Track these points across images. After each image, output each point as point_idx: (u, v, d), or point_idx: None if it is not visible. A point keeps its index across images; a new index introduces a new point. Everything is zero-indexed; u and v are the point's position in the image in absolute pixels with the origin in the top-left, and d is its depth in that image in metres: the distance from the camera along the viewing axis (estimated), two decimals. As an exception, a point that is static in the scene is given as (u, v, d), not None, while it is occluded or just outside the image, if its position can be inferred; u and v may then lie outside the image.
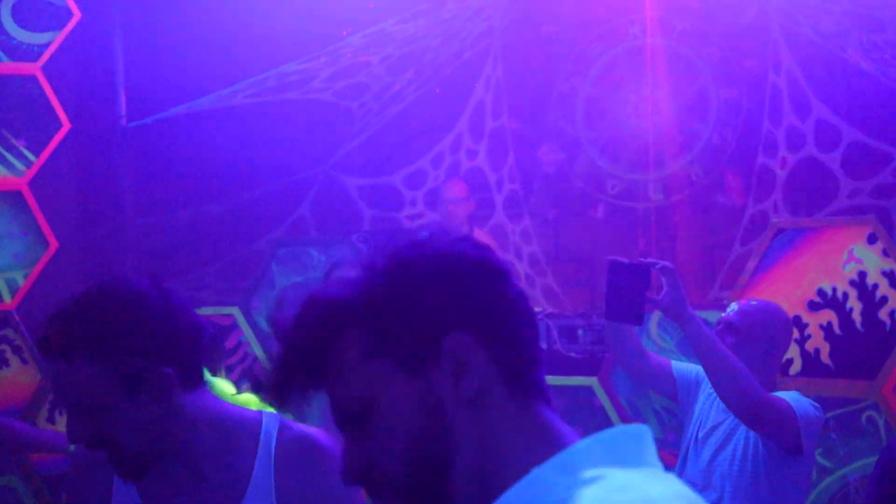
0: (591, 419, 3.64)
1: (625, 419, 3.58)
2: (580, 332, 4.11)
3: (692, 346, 2.55)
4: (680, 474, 2.71)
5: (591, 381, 3.65)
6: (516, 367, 0.94)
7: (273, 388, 0.95)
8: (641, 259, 2.59)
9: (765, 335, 2.63)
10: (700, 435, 2.68)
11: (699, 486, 2.62)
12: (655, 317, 3.70)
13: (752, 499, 2.54)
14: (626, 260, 2.53)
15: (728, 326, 2.64)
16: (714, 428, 2.66)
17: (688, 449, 2.71)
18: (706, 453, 2.64)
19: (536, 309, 4.51)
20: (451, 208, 5.04)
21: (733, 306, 2.74)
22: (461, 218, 5.04)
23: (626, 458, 0.88)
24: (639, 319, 2.56)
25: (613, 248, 5.47)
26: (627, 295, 2.49)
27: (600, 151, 5.83)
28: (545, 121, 5.96)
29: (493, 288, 0.95)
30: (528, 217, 5.86)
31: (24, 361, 3.85)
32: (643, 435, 0.91)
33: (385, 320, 0.93)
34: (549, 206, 5.97)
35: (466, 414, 0.91)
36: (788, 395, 2.55)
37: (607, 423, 3.60)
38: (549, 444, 0.90)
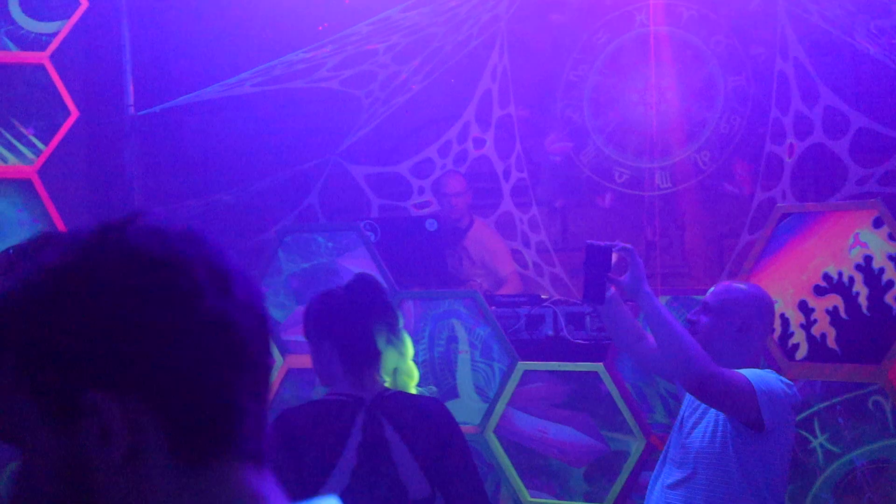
0: (598, 404, 3.66)
1: (631, 404, 3.58)
2: (587, 319, 4.11)
3: (647, 322, 2.64)
4: (665, 454, 2.74)
5: (598, 366, 3.66)
6: (191, 426, 0.77)
7: None
8: (604, 242, 2.67)
9: (737, 313, 2.67)
10: (685, 415, 2.72)
11: (676, 464, 2.66)
12: (662, 301, 3.70)
13: (721, 475, 2.58)
14: (598, 243, 2.65)
15: (703, 306, 2.71)
16: (696, 408, 2.71)
17: (674, 430, 2.75)
18: (685, 431, 2.69)
19: (543, 296, 4.51)
20: (451, 202, 5.13)
21: (711, 288, 2.81)
22: (461, 210, 5.14)
23: None
24: (599, 299, 2.66)
25: (621, 236, 5.44)
26: (593, 276, 2.62)
27: (607, 140, 5.83)
28: (552, 109, 5.95)
29: (172, 326, 0.76)
30: (535, 205, 5.86)
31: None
32: None
33: (29, 355, 0.76)
34: (556, 195, 5.97)
35: (119, 481, 0.76)
36: (752, 372, 2.57)
37: (613, 409, 3.61)
38: None
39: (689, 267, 5.61)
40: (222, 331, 0.78)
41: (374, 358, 2.37)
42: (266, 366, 0.82)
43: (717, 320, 2.66)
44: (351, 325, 2.34)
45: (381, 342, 2.35)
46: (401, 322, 2.45)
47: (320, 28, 5.04)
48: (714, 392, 2.48)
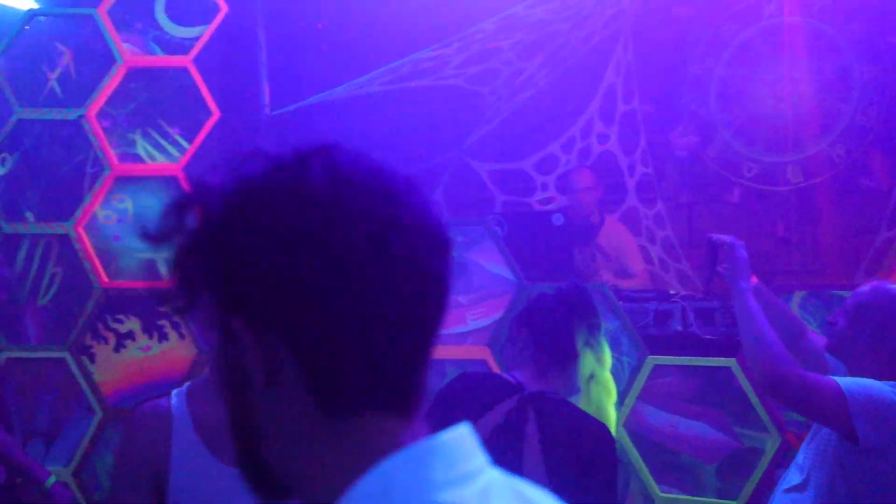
0: (731, 400, 3.59)
1: (766, 400, 3.51)
2: (717, 314, 4.05)
3: (737, 319, 2.59)
4: (796, 457, 2.66)
5: (730, 361, 3.60)
6: (331, 377, 0.75)
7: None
8: (716, 236, 2.69)
9: (870, 318, 2.53)
10: None
11: (798, 467, 2.57)
12: (797, 297, 3.62)
13: (827, 488, 2.46)
14: (712, 237, 2.67)
15: (841, 310, 2.60)
16: None
17: (810, 432, 2.66)
18: (813, 434, 2.60)
19: (671, 291, 4.46)
20: (579, 196, 5.09)
21: (859, 288, 2.68)
22: (591, 206, 5.09)
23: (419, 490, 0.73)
24: (706, 292, 2.78)
25: (750, 231, 5.34)
26: (707, 270, 2.72)
27: (735, 134, 5.71)
28: (678, 104, 5.87)
29: (351, 275, 0.73)
30: (660, 201, 5.79)
31: (181, 336, 4.09)
32: (452, 447, 0.76)
33: (204, 264, 0.77)
34: (682, 190, 5.88)
35: (264, 401, 0.77)
36: (854, 381, 2.41)
37: (747, 405, 3.54)
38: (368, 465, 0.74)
39: (824, 264, 5.43)
40: (393, 288, 0.75)
41: (567, 355, 2.34)
42: (432, 325, 0.78)
43: (850, 324, 2.55)
44: (552, 317, 2.35)
45: (579, 342, 2.36)
46: (603, 329, 2.44)
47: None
48: (790, 395, 2.41)
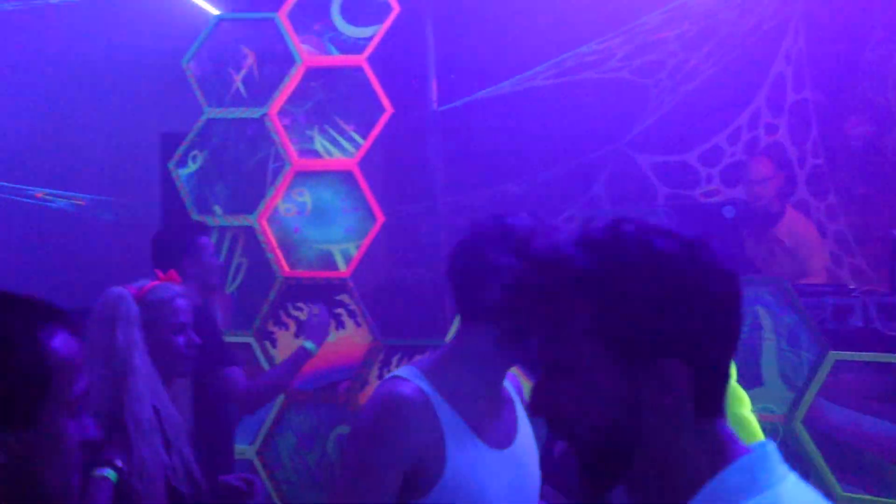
0: (920, 399, 3.45)
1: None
2: (901, 310, 3.88)
3: None
4: None
5: (919, 359, 3.45)
6: (711, 391, 1.01)
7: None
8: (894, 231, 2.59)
9: None
10: None
11: None
12: None
13: None
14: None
15: None
16: None
17: None
18: None
19: (851, 286, 4.30)
20: (756, 189, 4.88)
21: None
22: (769, 197, 4.87)
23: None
24: (891, 287, 2.60)
25: (932, 225, 5.06)
26: (888, 264, 2.64)
27: (917, 122, 5.42)
28: (852, 92, 5.63)
29: (720, 318, 0.99)
30: (833, 193, 5.57)
31: (357, 324, 4.27)
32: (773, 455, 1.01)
33: (618, 315, 0.98)
34: (857, 182, 5.63)
35: (657, 421, 0.99)
36: None
37: (938, 404, 3.39)
38: (723, 461, 0.99)
39: None
40: (738, 321, 1.03)
41: None
42: (737, 345, 1.02)
43: None
44: None
45: None
46: (734, 376, 2.39)
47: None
48: None
